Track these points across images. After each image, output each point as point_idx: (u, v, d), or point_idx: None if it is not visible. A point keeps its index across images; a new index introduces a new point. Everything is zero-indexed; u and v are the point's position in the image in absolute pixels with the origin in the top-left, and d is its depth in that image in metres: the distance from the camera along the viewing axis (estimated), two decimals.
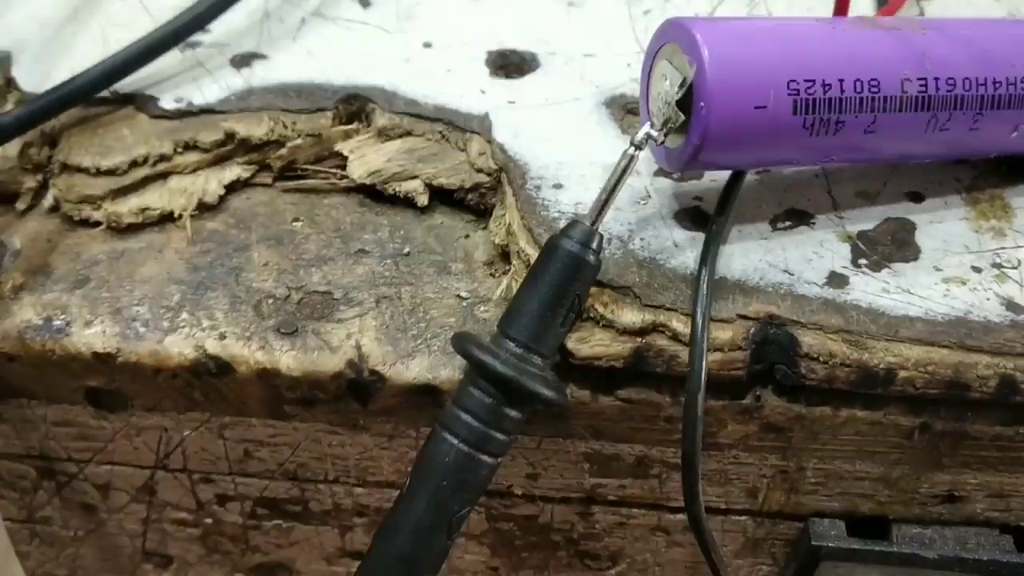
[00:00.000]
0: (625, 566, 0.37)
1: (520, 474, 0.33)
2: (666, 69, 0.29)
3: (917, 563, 0.33)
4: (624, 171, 0.28)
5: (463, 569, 0.38)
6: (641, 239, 0.31)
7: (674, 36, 0.29)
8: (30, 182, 0.34)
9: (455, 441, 0.27)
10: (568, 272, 0.28)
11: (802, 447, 0.31)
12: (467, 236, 0.34)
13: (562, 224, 0.31)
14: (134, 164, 0.34)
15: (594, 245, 0.28)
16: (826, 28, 0.30)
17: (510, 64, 0.38)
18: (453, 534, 0.28)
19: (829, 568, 0.33)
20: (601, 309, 0.29)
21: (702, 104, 0.28)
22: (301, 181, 0.35)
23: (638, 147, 0.28)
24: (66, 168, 0.34)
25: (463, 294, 0.32)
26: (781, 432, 0.31)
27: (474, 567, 0.37)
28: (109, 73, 0.34)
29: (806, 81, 0.28)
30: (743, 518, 0.34)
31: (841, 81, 0.28)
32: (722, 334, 0.29)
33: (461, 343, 0.28)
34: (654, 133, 0.28)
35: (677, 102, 0.28)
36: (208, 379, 0.31)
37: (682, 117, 0.28)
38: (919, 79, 0.29)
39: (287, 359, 0.30)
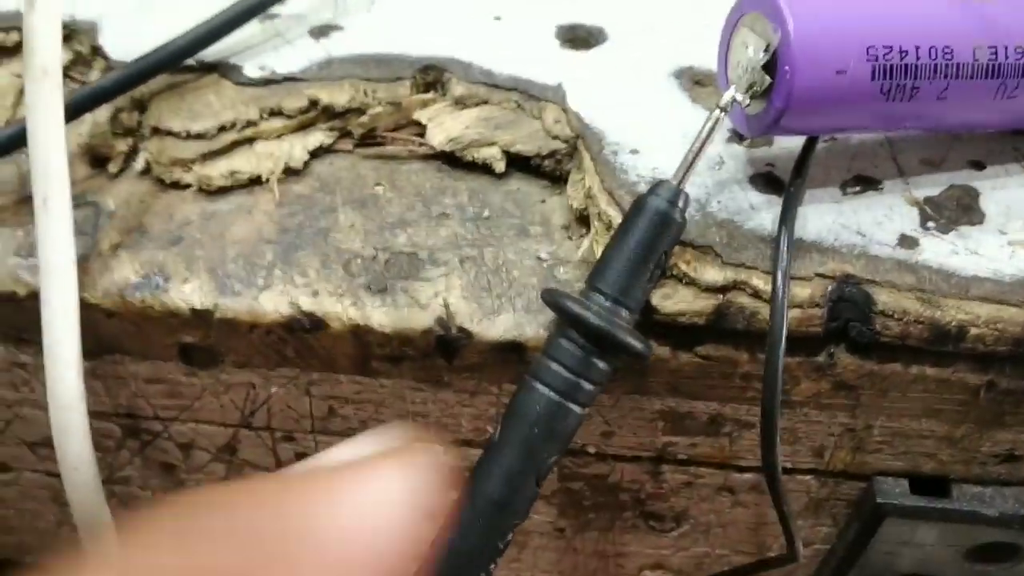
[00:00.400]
0: (688, 527, 0.38)
1: (596, 432, 0.34)
2: (747, 37, 0.30)
3: (978, 520, 0.34)
4: (710, 132, 0.29)
5: (529, 530, 0.39)
6: (718, 201, 0.32)
7: (757, 4, 0.30)
8: (121, 146, 0.35)
9: (546, 390, 0.28)
10: (656, 228, 0.29)
11: (871, 404, 0.32)
12: (543, 201, 0.35)
13: (642, 187, 0.32)
14: (222, 129, 0.35)
15: (680, 203, 0.29)
16: None
17: (578, 37, 0.39)
18: (541, 480, 0.29)
19: (892, 526, 0.35)
20: (684, 267, 0.30)
21: (786, 68, 0.29)
22: (381, 148, 0.36)
23: (724, 109, 0.29)
24: (157, 132, 0.35)
25: (543, 255, 0.33)
26: (852, 390, 0.32)
27: (541, 527, 0.39)
28: (196, 42, 0.35)
29: (884, 47, 0.29)
30: (808, 477, 0.35)
31: (917, 48, 0.30)
32: (800, 292, 0.30)
33: (552, 296, 0.29)
34: (739, 97, 0.30)
35: (762, 74, 0.29)
36: (301, 335, 0.32)
37: (768, 80, 0.29)
38: (990, 47, 0.30)
39: (378, 315, 0.31)
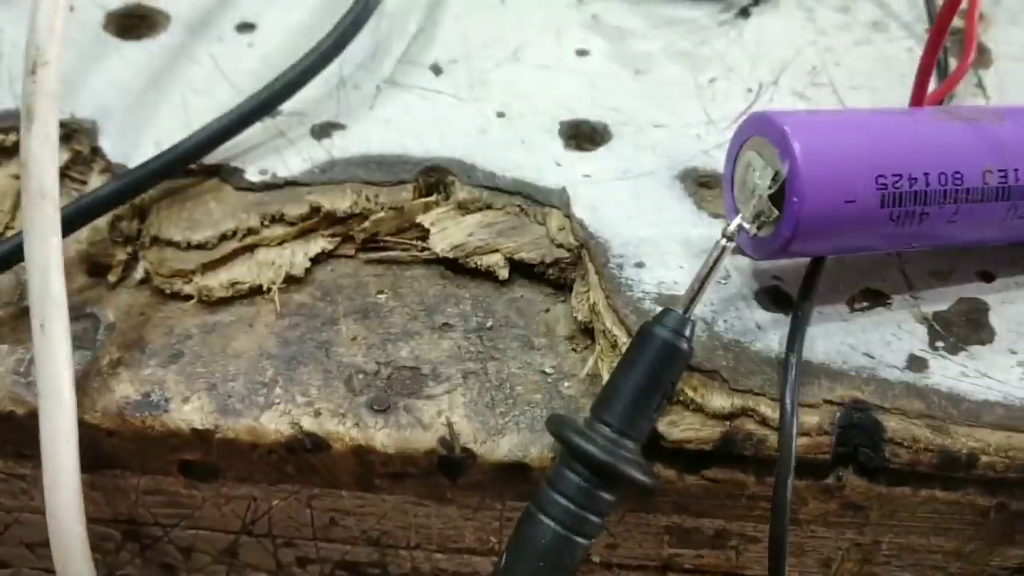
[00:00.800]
0: None
1: (600, 544, 0.34)
2: (753, 160, 0.30)
3: None
4: (716, 262, 0.29)
5: None
6: (725, 321, 0.32)
7: (762, 129, 0.30)
8: (120, 255, 0.35)
9: (551, 523, 0.28)
10: (662, 360, 0.28)
11: (879, 523, 0.32)
12: (547, 310, 0.35)
13: (647, 304, 0.32)
14: (223, 238, 0.35)
15: (687, 333, 0.29)
16: (908, 120, 0.31)
17: (582, 134, 0.39)
18: None
19: None
20: (691, 393, 0.30)
21: (795, 199, 0.29)
22: (383, 252, 0.36)
23: (730, 239, 0.29)
24: (156, 242, 0.35)
25: (547, 370, 0.33)
26: (860, 510, 0.32)
27: None
28: (200, 146, 0.35)
29: (893, 175, 0.29)
30: None
31: (926, 175, 0.29)
32: (809, 419, 0.30)
33: (557, 427, 0.29)
34: (747, 226, 0.29)
35: (770, 205, 0.29)
36: (303, 455, 0.31)
37: (776, 213, 0.29)
38: (999, 170, 0.30)
39: (381, 436, 0.31)
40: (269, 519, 0.34)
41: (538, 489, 0.29)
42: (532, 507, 0.29)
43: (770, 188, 0.29)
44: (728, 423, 0.30)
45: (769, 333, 0.31)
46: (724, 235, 0.29)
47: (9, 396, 0.32)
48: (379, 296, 0.35)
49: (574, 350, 0.33)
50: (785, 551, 0.30)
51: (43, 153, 0.31)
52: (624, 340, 0.31)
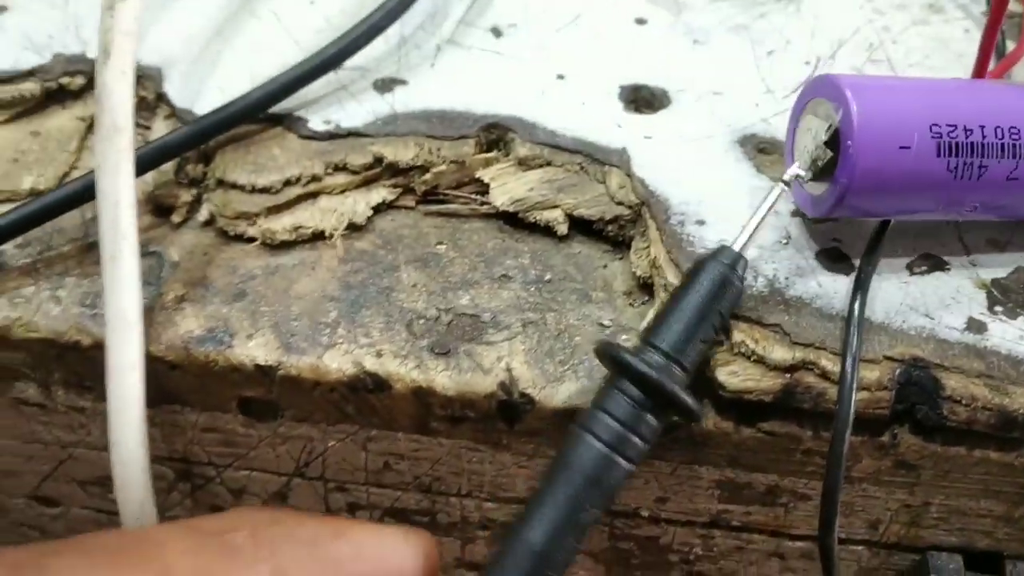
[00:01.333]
0: None
1: (650, 497, 0.34)
2: (813, 123, 0.31)
3: None
4: (772, 204, 0.30)
5: None
6: (786, 279, 0.32)
7: (821, 90, 0.30)
8: (185, 196, 0.35)
9: (595, 442, 0.28)
10: (715, 290, 0.29)
11: (931, 484, 0.32)
12: (605, 266, 0.35)
13: None
14: (287, 183, 0.35)
15: (740, 269, 0.29)
16: (963, 83, 0.31)
17: (641, 99, 0.39)
18: (583, 535, 0.29)
19: None
20: (752, 344, 0.30)
21: (849, 143, 0.29)
22: (443, 205, 0.36)
23: (787, 183, 0.30)
24: (222, 184, 0.35)
25: (605, 322, 0.33)
26: (913, 469, 0.32)
27: None
28: (270, 96, 0.35)
29: (948, 125, 0.30)
30: (860, 547, 0.35)
31: (982, 127, 0.30)
32: (868, 374, 0.30)
33: (607, 348, 0.29)
34: (802, 172, 0.30)
35: (824, 148, 0.29)
36: (364, 394, 0.32)
37: (830, 154, 0.29)
38: None
39: (442, 379, 0.31)
40: (323, 461, 0.35)
41: (583, 410, 0.29)
42: (576, 426, 0.29)
43: (826, 134, 0.29)
44: (788, 375, 0.30)
45: (830, 291, 0.32)
46: (782, 179, 0.30)
47: (76, 326, 0.32)
48: (439, 247, 0.35)
49: (631, 305, 0.34)
50: (836, 506, 0.30)
51: (118, 88, 0.31)
52: None
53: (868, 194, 0.30)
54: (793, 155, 0.32)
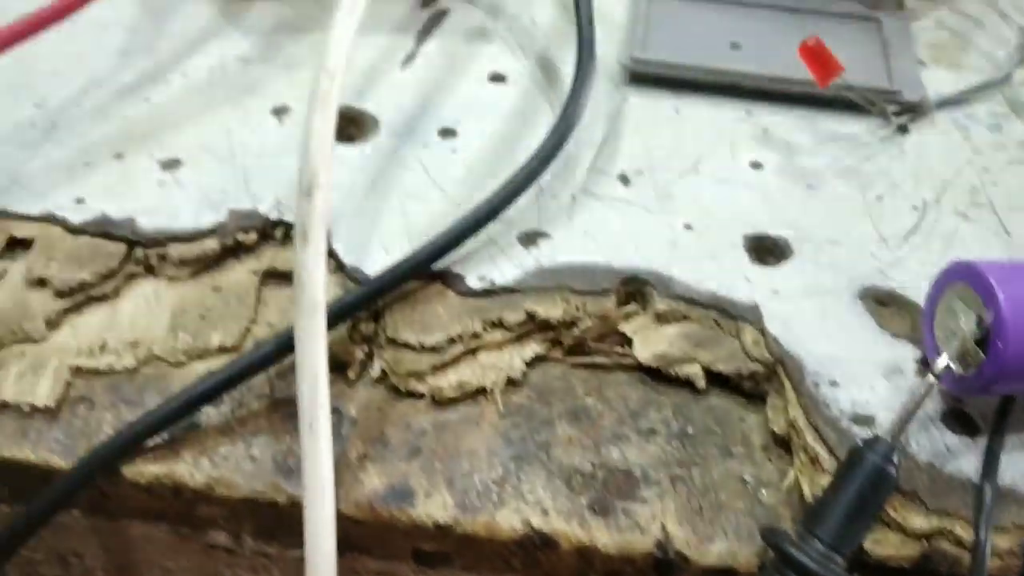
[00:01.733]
0: None
1: None
2: (955, 304, 0.34)
3: None
4: (924, 396, 0.33)
5: None
6: (917, 442, 0.35)
7: (966, 277, 0.33)
8: (359, 353, 0.39)
9: None
10: (873, 484, 0.32)
11: None
12: (742, 419, 0.38)
13: (844, 423, 0.35)
14: (451, 341, 0.38)
15: (895, 460, 0.32)
16: None
17: (764, 248, 0.42)
18: None
19: None
20: (892, 513, 0.33)
21: (999, 344, 0.32)
22: (588, 357, 0.39)
23: (938, 377, 0.33)
24: (392, 343, 0.38)
25: (747, 478, 0.36)
26: None
27: None
28: (433, 253, 0.39)
29: None
30: None
31: None
32: (1000, 542, 0.33)
33: (774, 538, 0.32)
34: (954, 366, 0.33)
35: (975, 346, 0.32)
36: (532, 550, 0.35)
37: (982, 356, 0.32)
38: None
39: (603, 537, 0.35)
40: None
41: None
42: None
43: (977, 333, 0.32)
44: (926, 542, 0.33)
45: (959, 456, 0.35)
46: (933, 373, 0.33)
47: (273, 484, 0.35)
48: (587, 399, 0.38)
49: (769, 460, 0.37)
50: None
51: (316, 270, 0.35)
52: (825, 456, 0.35)
53: (1012, 382, 0.33)
54: (932, 329, 0.35)
